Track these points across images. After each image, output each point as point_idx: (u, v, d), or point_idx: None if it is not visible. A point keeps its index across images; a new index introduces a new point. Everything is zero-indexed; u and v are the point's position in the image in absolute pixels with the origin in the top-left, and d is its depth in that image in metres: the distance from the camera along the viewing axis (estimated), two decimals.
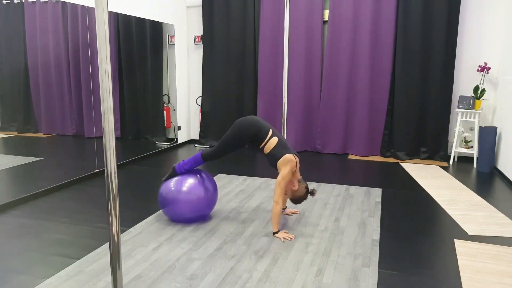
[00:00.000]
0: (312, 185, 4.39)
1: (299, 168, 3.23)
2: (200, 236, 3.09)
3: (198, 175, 3.32)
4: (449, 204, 3.85)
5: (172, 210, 3.26)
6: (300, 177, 3.27)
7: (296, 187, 3.20)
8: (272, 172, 4.94)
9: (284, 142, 3.21)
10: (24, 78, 3.95)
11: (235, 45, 6.19)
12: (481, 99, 5.25)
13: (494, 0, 5.22)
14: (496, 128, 4.99)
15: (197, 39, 6.56)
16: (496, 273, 2.56)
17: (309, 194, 3.26)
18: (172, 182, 3.27)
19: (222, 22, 6.22)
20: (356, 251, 2.85)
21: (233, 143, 3.23)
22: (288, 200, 3.90)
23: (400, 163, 5.48)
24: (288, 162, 3.09)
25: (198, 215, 3.30)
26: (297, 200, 3.25)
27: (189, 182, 3.25)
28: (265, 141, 3.19)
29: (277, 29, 6.02)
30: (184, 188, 3.22)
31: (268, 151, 3.19)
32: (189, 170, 3.34)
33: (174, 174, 3.33)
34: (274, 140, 3.18)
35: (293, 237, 3.05)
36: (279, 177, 3.09)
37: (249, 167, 5.19)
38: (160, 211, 3.61)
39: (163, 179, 3.37)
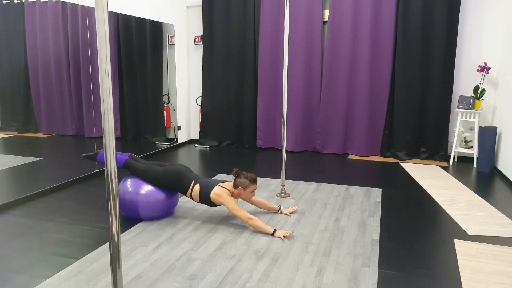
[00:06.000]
0: (312, 185, 4.39)
1: (232, 191, 3.27)
2: (200, 236, 3.09)
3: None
4: (449, 204, 3.85)
5: (132, 211, 3.34)
6: (232, 183, 3.28)
7: (241, 188, 3.21)
8: (271, 171, 4.95)
9: (206, 183, 3.25)
10: (24, 78, 3.95)
11: (235, 45, 6.19)
12: (481, 99, 5.25)
13: (494, 0, 5.22)
14: (496, 128, 4.99)
15: (197, 39, 6.56)
16: (496, 273, 2.57)
17: (239, 174, 3.25)
18: (129, 183, 3.33)
19: (222, 22, 6.22)
20: (356, 251, 2.85)
21: (156, 180, 3.31)
22: (273, 200, 3.90)
23: (400, 163, 5.48)
24: (220, 195, 3.16)
25: (160, 214, 3.39)
26: (251, 181, 3.21)
27: (148, 185, 3.34)
28: (189, 190, 3.27)
29: (277, 29, 6.02)
30: (143, 191, 3.30)
31: (197, 198, 3.27)
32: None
33: (94, 158, 3.50)
34: (197, 187, 3.25)
35: (291, 232, 3.06)
36: (229, 207, 3.13)
37: (248, 167, 5.19)
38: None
39: (83, 155, 3.53)
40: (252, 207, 3.69)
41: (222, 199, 3.16)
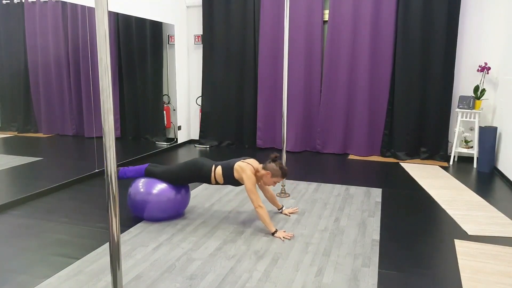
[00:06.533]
0: (312, 185, 4.39)
1: (257, 168, 3.24)
2: (200, 236, 3.09)
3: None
4: (449, 204, 3.85)
5: (142, 211, 3.33)
6: (261, 165, 3.26)
7: (269, 173, 3.17)
8: None
9: (228, 162, 3.25)
10: (24, 78, 3.95)
11: (235, 45, 6.19)
12: (481, 99, 5.25)
13: (494, 0, 5.22)
14: (496, 128, 4.99)
15: (197, 39, 6.56)
16: (496, 273, 2.56)
17: (277, 160, 3.22)
18: (141, 183, 3.33)
19: (222, 22, 6.22)
20: (356, 251, 2.85)
21: (179, 179, 3.31)
22: (281, 199, 3.90)
23: (400, 163, 5.48)
24: (243, 169, 3.13)
25: (169, 215, 3.38)
26: (282, 173, 3.18)
27: (160, 185, 3.33)
28: (212, 175, 3.23)
29: (277, 29, 6.02)
30: (154, 191, 3.29)
31: (221, 180, 3.23)
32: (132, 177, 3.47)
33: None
34: (218, 169, 3.22)
35: (292, 235, 3.06)
36: (246, 185, 3.10)
37: None
38: None
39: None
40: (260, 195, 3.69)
41: (244, 174, 3.11)
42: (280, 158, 5.59)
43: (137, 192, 3.30)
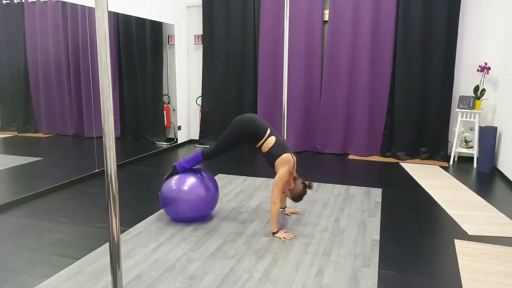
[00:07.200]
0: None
1: (295, 167, 3.24)
2: (200, 236, 3.09)
3: (199, 175, 3.31)
4: (449, 204, 3.85)
5: (173, 209, 3.26)
6: (295, 174, 3.27)
7: (292, 186, 3.20)
8: (272, 171, 4.94)
9: (282, 142, 3.21)
10: (24, 78, 3.95)
11: (235, 45, 6.19)
12: (481, 99, 5.25)
13: (494, 0, 5.22)
14: (496, 128, 4.99)
15: (197, 39, 6.56)
16: (496, 273, 2.56)
17: (307, 189, 3.24)
18: (173, 182, 3.26)
19: (222, 22, 6.22)
20: (356, 251, 2.85)
21: (232, 142, 3.22)
22: (288, 199, 3.90)
23: (400, 163, 5.48)
24: (286, 162, 3.11)
25: (198, 215, 3.30)
26: (297, 197, 3.24)
27: (190, 181, 3.25)
28: (263, 140, 3.19)
29: (277, 29, 6.02)
30: (185, 188, 3.22)
31: (265, 150, 3.19)
32: (190, 169, 3.34)
33: (175, 172, 3.34)
34: (272, 139, 3.18)
35: (293, 237, 3.05)
36: (276, 177, 3.09)
37: (249, 167, 5.19)
38: (160, 211, 3.61)
39: (164, 177, 3.38)
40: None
41: (282, 168, 3.09)
42: None
43: (169, 190, 3.24)
